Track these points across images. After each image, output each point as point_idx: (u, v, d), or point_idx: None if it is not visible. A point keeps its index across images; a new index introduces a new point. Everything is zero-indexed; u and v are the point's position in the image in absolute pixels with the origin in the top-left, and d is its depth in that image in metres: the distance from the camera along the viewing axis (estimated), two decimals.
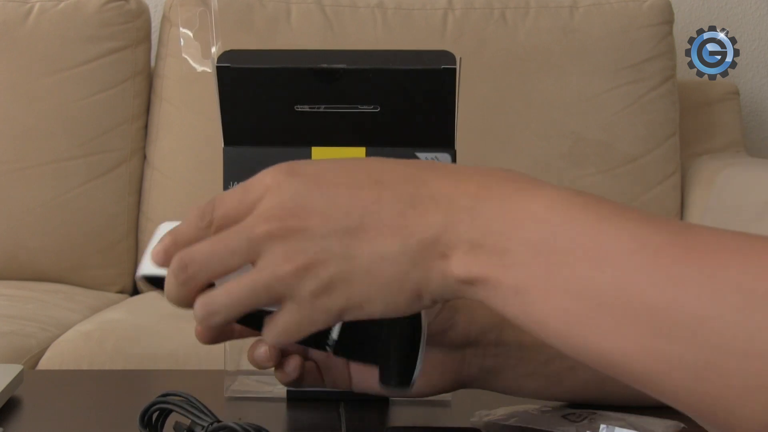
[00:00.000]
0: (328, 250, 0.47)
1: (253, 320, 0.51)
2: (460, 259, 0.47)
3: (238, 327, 0.59)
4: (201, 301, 0.50)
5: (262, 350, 0.60)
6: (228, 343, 0.72)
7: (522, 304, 0.46)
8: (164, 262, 0.51)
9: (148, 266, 0.53)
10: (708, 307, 0.41)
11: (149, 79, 1.95)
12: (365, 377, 0.62)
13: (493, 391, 0.64)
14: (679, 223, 0.46)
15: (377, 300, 0.48)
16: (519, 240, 0.46)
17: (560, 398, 0.66)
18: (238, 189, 0.50)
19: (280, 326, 0.49)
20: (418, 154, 0.68)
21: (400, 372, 0.55)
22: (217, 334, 0.59)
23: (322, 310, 0.48)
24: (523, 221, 0.46)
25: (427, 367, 0.57)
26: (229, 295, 0.49)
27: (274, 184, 0.49)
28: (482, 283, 0.47)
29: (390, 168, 0.49)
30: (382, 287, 0.48)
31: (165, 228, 0.54)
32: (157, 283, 0.54)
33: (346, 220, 0.48)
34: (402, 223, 0.47)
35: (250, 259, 0.48)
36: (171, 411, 0.58)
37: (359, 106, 0.67)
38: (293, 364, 0.61)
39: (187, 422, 0.57)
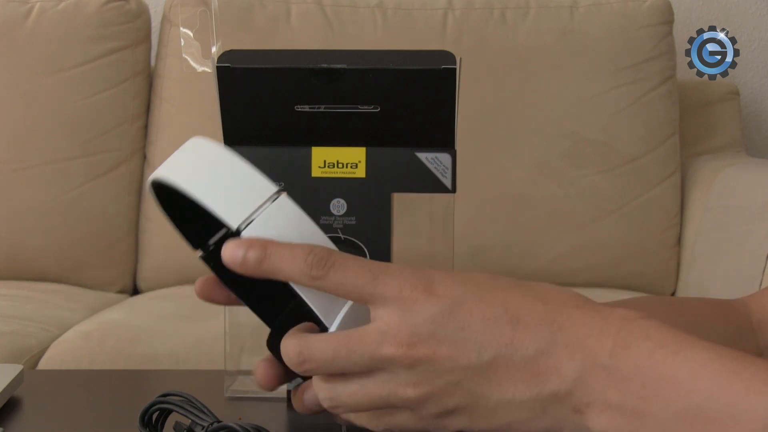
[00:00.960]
0: (455, 384, 0.47)
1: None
2: (596, 416, 0.46)
3: None
4: (326, 395, 0.50)
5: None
6: (228, 343, 0.72)
7: None
8: (248, 269, 0.49)
9: (166, 172, 0.51)
10: None
11: (149, 79, 1.95)
12: None
13: None
14: None
15: None
16: (661, 405, 0.44)
17: None
18: (364, 267, 0.48)
19: (394, 425, 0.50)
20: (419, 155, 0.68)
21: None
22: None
23: (440, 427, 0.49)
24: (666, 387, 0.44)
25: None
26: (351, 397, 0.49)
27: (410, 298, 0.47)
28: None
29: (528, 304, 0.48)
30: (507, 426, 0.47)
31: (197, 143, 0.52)
32: (164, 195, 0.53)
33: (477, 358, 0.47)
34: (534, 371, 0.46)
35: (370, 370, 0.48)
36: (171, 411, 0.59)
37: (359, 106, 0.67)
38: None
39: (187, 422, 0.57)
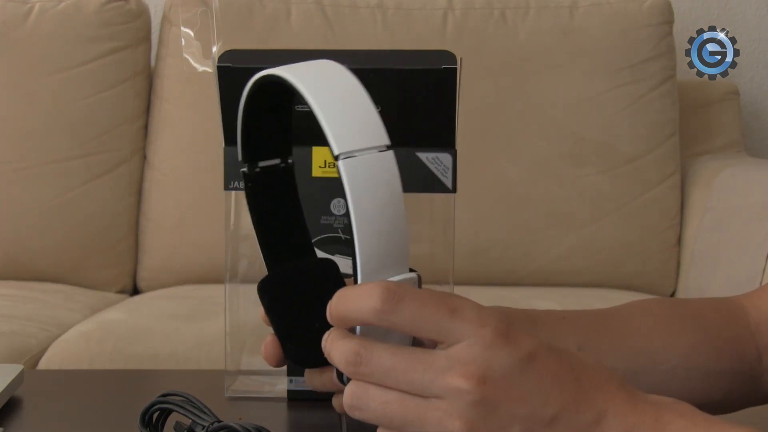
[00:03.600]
0: (506, 430, 0.46)
1: None
2: None
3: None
4: (354, 393, 0.48)
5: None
6: (228, 343, 0.72)
7: None
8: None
9: (287, 73, 0.51)
10: None
11: (149, 79, 1.95)
12: None
13: None
14: None
15: None
16: None
17: None
18: (441, 300, 0.47)
19: None
20: (419, 154, 0.68)
21: None
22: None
23: None
24: None
25: None
26: (385, 407, 0.47)
27: (489, 338, 0.46)
28: None
29: (591, 368, 0.49)
30: None
31: (329, 64, 0.52)
32: (258, 94, 0.54)
33: (542, 411, 0.46)
34: None
35: (425, 394, 0.46)
36: (171, 411, 0.59)
37: None
38: None
39: (188, 422, 0.57)
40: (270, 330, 0.59)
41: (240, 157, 0.58)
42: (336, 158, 0.48)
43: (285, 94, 0.55)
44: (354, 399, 0.48)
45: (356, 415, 0.48)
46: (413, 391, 0.46)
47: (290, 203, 0.60)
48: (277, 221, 0.59)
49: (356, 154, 0.48)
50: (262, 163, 0.58)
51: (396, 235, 0.49)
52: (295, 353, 0.58)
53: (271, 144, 0.58)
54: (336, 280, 0.59)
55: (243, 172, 0.58)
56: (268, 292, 0.58)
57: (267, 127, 0.57)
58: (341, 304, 0.48)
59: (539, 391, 0.46)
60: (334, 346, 0.48)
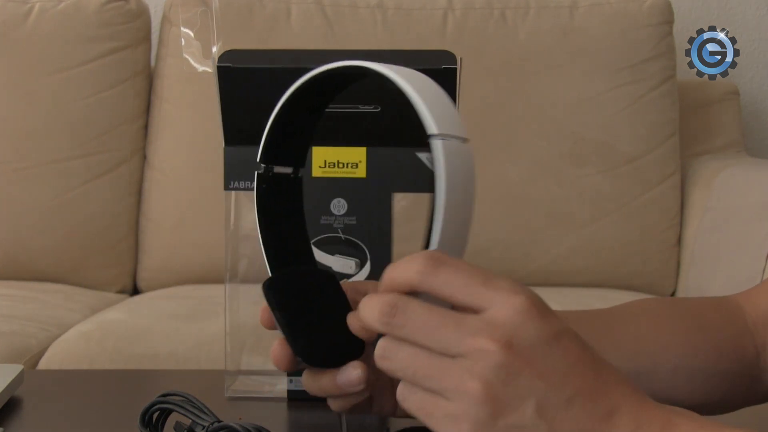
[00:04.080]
0: (522, 400, 0.47)
1: None
2: None
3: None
4: (386, 345, 0.49)
5: (356, 373, 0.56)
6: (228, 343, 0.72)
7: None
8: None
9: (381, 68, 0.53)
10: None
11: (149, 79, 1.95)
12: None
13: None
14: None
15: None
16: None
17: None
18: (477, 271, 0.48)
19: (429, 412, 0.48)
20: (419, 155, 0.68)
21: None
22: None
23: None
24: None
25: None
26: (412, 359, 0.48)
27: (521, 306, 0.47)
28: None
29: (609, 366, 0.49)
30: None
31: (407, 69, 0.54)
32: (298, 102, 0.55)
33: (559, 390, 0.47)
34: (597, 428, 0.47)
35: (451, 352, 0.47)
36: (171, 411, 0.59)
37: (359, 106, 0.67)
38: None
39: (188, 422, 0.57)
40: (269, 332, 0.59)
41: (258, 158, 0.58)
42: (430, 137, 0.50)
43: (329, 95, 0.55)
44: (384, 350, 0.49)
45: (385, 365, 0.49)
46: (441, 349, 0.47)
47: (296, 212, 0.61)
48: (282, 226, 0.60)
49: (449, 138, 0.51)
50: (276, 169, 0.59)
51: (469, 221, 0.52)
52: (308, 351, 0.58)
53: (291, 151, 0.59)
54: (338, 289, 0.59)
55: (258, 173, 0.59)
56: (276, 290, 0.57)
57: (295, 132, 0.57)
58: (391, 270, 0.50)
59: (561, 370, 0.47)
60: (369, 302, 0.49)
